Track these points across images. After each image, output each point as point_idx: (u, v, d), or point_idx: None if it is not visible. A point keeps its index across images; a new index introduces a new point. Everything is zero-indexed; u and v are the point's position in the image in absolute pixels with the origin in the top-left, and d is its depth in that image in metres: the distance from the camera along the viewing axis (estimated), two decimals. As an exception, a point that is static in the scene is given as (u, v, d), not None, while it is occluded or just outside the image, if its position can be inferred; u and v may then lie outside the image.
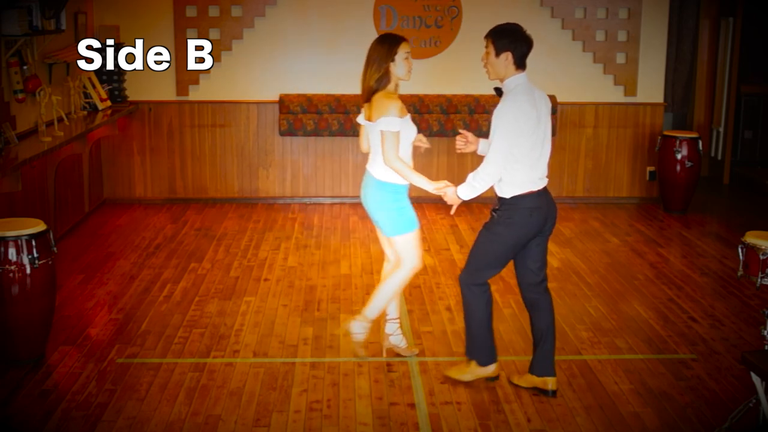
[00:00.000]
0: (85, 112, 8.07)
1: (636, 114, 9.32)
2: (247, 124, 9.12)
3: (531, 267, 4.69)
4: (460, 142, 4.86)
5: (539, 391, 4.71)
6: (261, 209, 8.92)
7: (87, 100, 8.22)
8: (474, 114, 8.93)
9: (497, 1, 9.03)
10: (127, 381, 4.84)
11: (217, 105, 9.07)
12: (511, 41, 4.50)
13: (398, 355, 5.17)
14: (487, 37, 4.60)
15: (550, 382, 4.69)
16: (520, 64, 4.52)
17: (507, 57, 4.50)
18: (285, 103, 8.90)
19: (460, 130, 4.86)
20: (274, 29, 8.98)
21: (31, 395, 4.66)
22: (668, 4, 9.28)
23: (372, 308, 4.96)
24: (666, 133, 9.06)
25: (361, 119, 4.99)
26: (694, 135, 8.92)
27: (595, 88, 9.26)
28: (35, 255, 4.89)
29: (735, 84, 10.36)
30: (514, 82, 4.51)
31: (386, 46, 4.83)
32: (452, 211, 4.91)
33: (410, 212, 4.95)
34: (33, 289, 4.93)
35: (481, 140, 4.84)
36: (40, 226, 4.99)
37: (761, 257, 4.56)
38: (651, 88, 9.31)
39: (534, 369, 4.74)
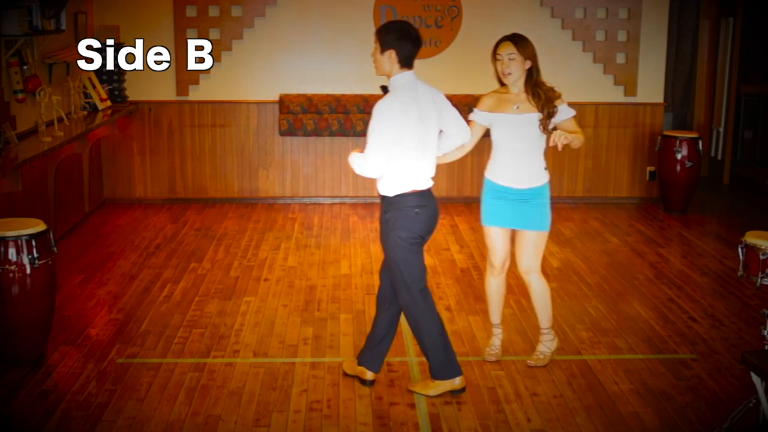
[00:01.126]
0: (85, 112, 8.07)
1: (636, 114, 9.33)
2: (247, 124, 9.12)
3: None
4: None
5: (359, 381, 4.79)
6: (261, 209, 8.92)
7: (87, 100, 8.22)
8: (474, 114, 8.92)
9: (497, 1, 9.04)
10: (127, 381, 4.84)
11: (217, 105, 9.07)
12: (396, 39, 4.50)
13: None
14: (375, 33, 4.60)
15: (368, 374, 4.78)
16: (405, 63, 4.54)
17: (391, 55, 4.51)
18: (285, 103, 8.91)
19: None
20: (274, 29, 8.98)
21: (31, 395, 4.66)
22: (668, 4, 9.28)
23: (544, 320, 5.12)
24: (666, 133, 9.06)
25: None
26: (694, 135, 8.92)
27: (595, 88, 9.26)
28: (35, 255, 4.89)
29: (735, 84, 10.36)
30: (400, 80, 4.54)
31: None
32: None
33: (485, 206, 5.18)
34: (33, 289, 4.93)
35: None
36: (40, 226, 4.99)
37: (761, 257, 4.56)
38: (651, 88, 9.31)
39: (364, 360, 4.80)
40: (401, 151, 4.48)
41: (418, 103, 4.52)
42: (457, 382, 4.67)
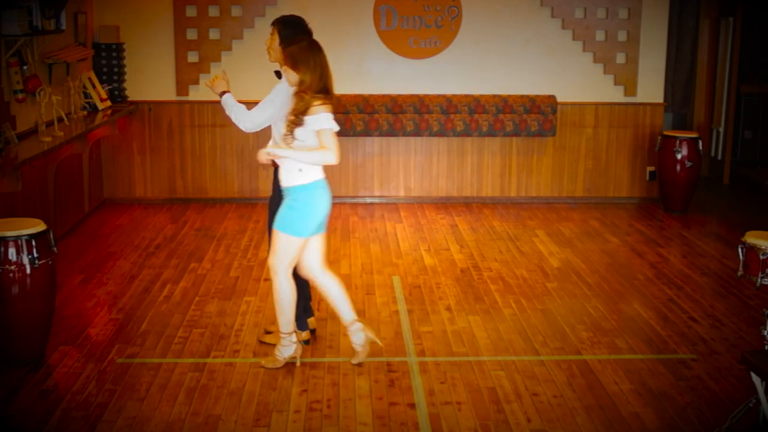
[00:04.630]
0: (85, 112, 8.07)
1: (636, 114, 9.33)
2: (247, 124, 9.10)
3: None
4: None
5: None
6: (261, 209, 8.91)
7: (87, 100, 8.23)
8: (474, 114, 8.93)
9: (497, 1, 9.03)
10: (127, 381, 4.84)
11: (217, 105, 8.96)
12: (293, 32, 5.02)
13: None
14: (273, 24, 5.16)
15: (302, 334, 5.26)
16: None
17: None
18: (285, 103, 8.90)
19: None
20: (274, 29, 8.98)
21: (31, 395, 4.66)
22: (668, 4, 9.28)
23: (344, 313, 5.11)
24: (666, 133, 9.05)
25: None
26: (694, 135, 8.92)
27: (595, 88, 9.26)
28: (35, 255, 4.89)
29: (735, 84, 10.36)
30: None
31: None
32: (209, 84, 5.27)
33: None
34: (33, 289, 4.93)
35: None
36: (40, 226, 4.99)
37: (761, 257, 4.56)
38: (651, 88, 9.31)
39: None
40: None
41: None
42: (303, 334, 5.26)
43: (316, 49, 4.83)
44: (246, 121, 5.06)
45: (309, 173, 4.86)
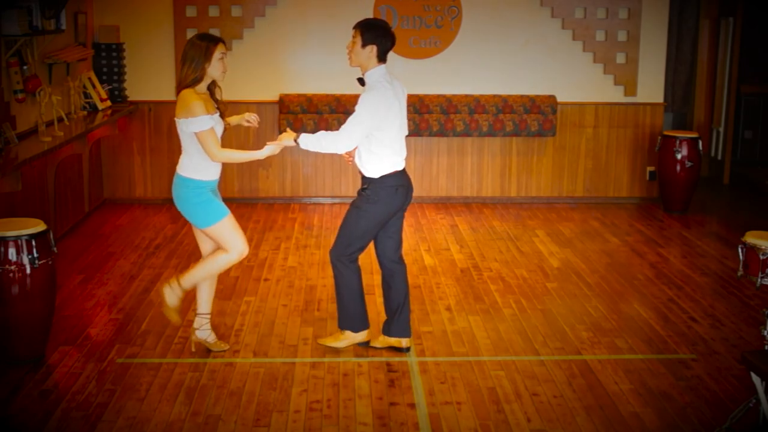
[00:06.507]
0: (85, 112, 8.07)
1: (636, 114, 9.33)
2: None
3: (392, 239, 5.20)
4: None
5: (395, 349, 5.20)
6: (261, 209, 8.92)
7: (87, 100, 8.23)
8: (474, 114, 8.93)
9: (497, 1, 9.04)
10: (127, 381, 4.84)
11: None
12: (378, 36, 4.93)
13: (209, 350, 5.22)
14: (355, 27, 5.00)
15: (404, 341, 5.23)
16: (382, 58, 4.97)
17: (372, 50, 4.92)
18: (285, 103, 8.91)
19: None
20: (274, 29, 8.99)
21: (31, 395, 4.66)
22: (668, 4, 9.28)
23: (187, 278, 5.10)
24: (666, 133, 9.05)
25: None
26: (694, 135, 8.92)
27: (595, 88, 9.26)
28: (35, 255, 4.89)
29: (735, 84, 10.36)
30: (377, 73, 4.96)
31: (204, 47, 4.88)
32: (277, 143, 5.11)
33: (215, 203, 5.04)
34: (33, 289, 4.93)
35: None
36: (40, 226, 4.99)
37: (761, 257, 4.56)
38: (651, 88, 9.31)
39: (391, 332, 5.22)
40: (385, 137, 4.93)
41: (396, 94, 4.97)
42: (363, 335, 5.24)
43: None
44: (340, 144, 4.88)
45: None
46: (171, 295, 5.09)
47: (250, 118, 5.28)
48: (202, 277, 5.10)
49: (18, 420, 4.40)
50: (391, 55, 9.08)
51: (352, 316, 5.20)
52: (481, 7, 9.03)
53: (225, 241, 4.99)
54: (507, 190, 9.32)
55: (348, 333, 5.23)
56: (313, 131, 8.91)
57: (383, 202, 5.00)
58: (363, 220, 5.04)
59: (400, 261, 5.26)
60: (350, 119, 4.88)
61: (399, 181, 5.03)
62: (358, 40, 4.92)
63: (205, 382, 4.83)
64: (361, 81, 5.02)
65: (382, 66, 4.97)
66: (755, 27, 10.57)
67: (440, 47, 9.05)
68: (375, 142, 4.92)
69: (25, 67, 6.86)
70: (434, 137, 9.10)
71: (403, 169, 5.08)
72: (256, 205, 9.06)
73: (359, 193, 5.10)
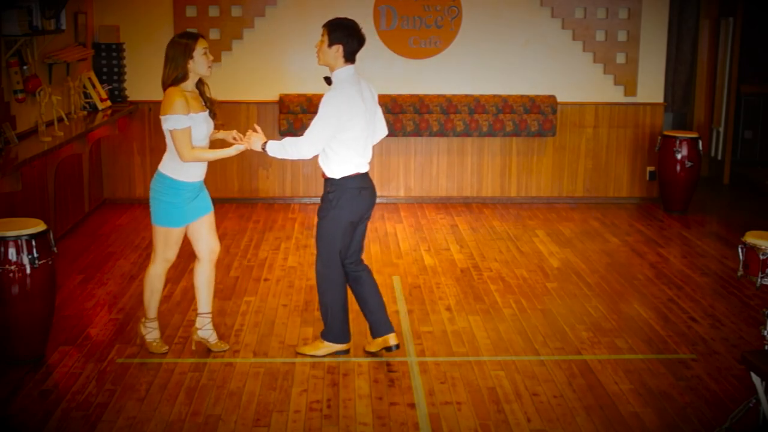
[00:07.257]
0: (85, 112, 8.07)
1: (636, 114, 9.33)
2: (247, 124, 9.10)
3: (356, 246, 5.11)
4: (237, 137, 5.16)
5: (385, 350, 5.11)
6: (261, 209, 8.92)
7: (87, 100, 8.22)
8: (474, 114, 8.93)
9: (497, 1, 9.03)
10: (127, 381, 4.84)
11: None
12: (344, 36, 4.92)
13: (209, 350, 5.23)
14: (324, 26, 5.01)
15: (390, 338, 5.11)
16: (349, 58, 4.93)
17: (338, 49, 4.90)
18: (285, 103, 8.90)
19: (255, 126, 5.13)
20: (274, 29, 8.98)
21: (31, 395, 4.66)
22: (668, 4, 9.28)
23: (145, 307, 5.18)
24: (666, 133, 9.05)
25: None
26: (694, 135, 8.92)
27: (595, 88, 9.26)
28: (35, 255, 4.88)
29: (735, 84, 10.36)
30: (343, 73, 4.91)
31: (183, 45, 4.88)
32: (240, 144, 5.06)
33: (181, 211, 4.99)
34: (33, 289, 4.93)
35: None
36: (40, 226, 4.99)
37: (761, 257, 4.56)
38: (651, 88, 9.31)
39: (375, 333, 5.14)
40: (348, 138, 4.85)
41: (361, 95, 4.90)
42: (343, 345, 5.16)
43: None
44: (303, 149, 4.85)
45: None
46: (145, 330, 5.22)
47: (237, 136, 5.17)
48: (148, 298, 5.17)
49: (18, 420, 4.40)
50: (392, 55, 9.18)
51: (333, 327, 5.13)
52: (481, 7, 9.03)
53: (157, 244, 5.04)
54: (507, 190, 9.32)
55: (327, 343, 5.18)
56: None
57: (347, 207, 4.92)
58: (331, 227, 4.96)
59: (362, 264, 5.20)
60: (313, 123, 4.82)
61: (362, 183, 4.95)
62: (325, 39, 4.93)
63: (205, 382, 4.83)
64: (328, 80, 4.99)
65: (350, 66, 4.92)
66: (755, 27, 10.57)
67: (440, 47, 9.05)
68: (336, 142, 4.85)
69: (25, 67, 6.86)
70: (434, 137, 9.10)
71: (366, 173, 4.98)
72: (256, 205, 9.06)
73: (322, 198, 5.01)
